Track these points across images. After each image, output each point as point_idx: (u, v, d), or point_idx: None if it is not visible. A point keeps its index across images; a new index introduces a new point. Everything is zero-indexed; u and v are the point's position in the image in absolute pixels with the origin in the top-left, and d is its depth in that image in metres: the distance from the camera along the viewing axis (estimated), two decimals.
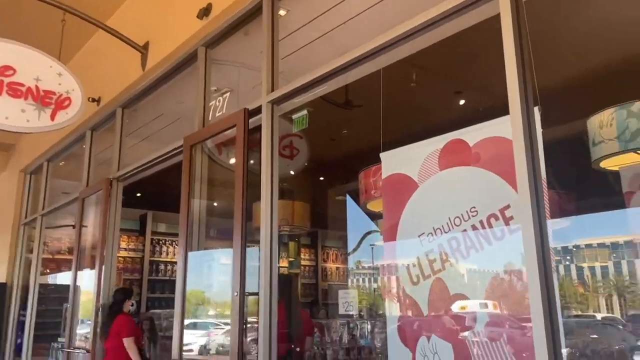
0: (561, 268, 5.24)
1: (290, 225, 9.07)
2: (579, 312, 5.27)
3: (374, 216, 7.21)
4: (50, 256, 8.66)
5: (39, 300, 7.22)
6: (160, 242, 11.09)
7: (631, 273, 5.06)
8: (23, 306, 7.62)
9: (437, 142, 3.06)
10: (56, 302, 8.69)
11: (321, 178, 8.36)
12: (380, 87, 3.62)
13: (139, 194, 8.30)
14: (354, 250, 14.38)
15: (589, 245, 5.46)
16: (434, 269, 2.99)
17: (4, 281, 7.85)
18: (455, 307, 2.91)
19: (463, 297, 2.84)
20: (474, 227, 2.81)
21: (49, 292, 8.65)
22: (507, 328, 2.62)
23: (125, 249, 10.18)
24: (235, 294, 3.21)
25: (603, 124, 3.93)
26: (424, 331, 2.98)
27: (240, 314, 3.09)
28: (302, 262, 12.10)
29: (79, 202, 5.81)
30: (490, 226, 2.73)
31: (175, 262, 11.13)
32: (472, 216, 2.83)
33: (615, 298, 5.12)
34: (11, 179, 8.49)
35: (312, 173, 8.91)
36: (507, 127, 2.77)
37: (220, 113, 3.96)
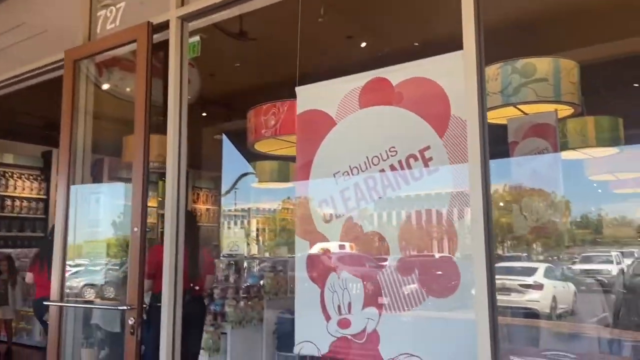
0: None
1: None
2: None
3: (261, 157, 7.08)
4: None
5: None
6: (7, 174, 9.79)
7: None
8: None
9: (359, 80, 3.01)
10: None
11: (204, 114, 7.91)
12: (276, 20, 3.45)
13: None
14: (228, 192, 14.20)
15: None
16: (348, 207, 2.99)
17: None
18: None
19: (377, 235, 2.89)
20: (392, 167, 2.84)
21: None
22: (418, 265, 2.73)
23: None
24: (136, 229, 2.92)
25: (489, 77, 4.19)
26: (335, 268, 3.00)
27: (142, 251, 2.83)
28: None
29: None
30: (410, 167, 2.78)
31: (26, 198, 9.99)
32: (391, 156, 2.85)
33: None
34: None
35: (191, 108, 8.40)
36: (431, 68, 2.80)
37: (113, 25, 3.45)
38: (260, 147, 5.74)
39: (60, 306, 3.29)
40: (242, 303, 4.82)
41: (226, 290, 4.84)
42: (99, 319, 3.59)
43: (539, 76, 3.92)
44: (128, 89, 4.79)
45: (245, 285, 5.07)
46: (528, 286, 7.71)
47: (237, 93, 7.07)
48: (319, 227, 3.09)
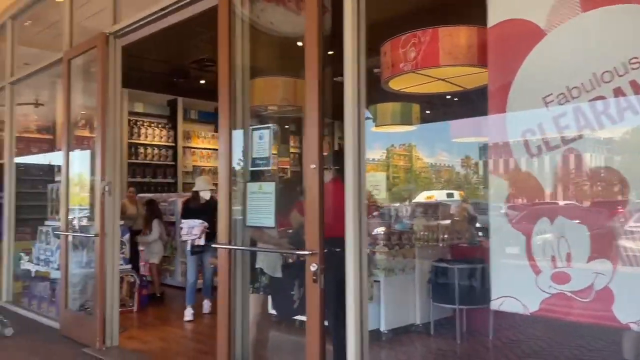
0: None
1: (292, 106, 8.33)
2: None
3: (381, 99, 6.56)
4: (17, 134, 7.68)
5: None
6: (138, 123, 10.17)
7: None
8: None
9: None
10: (28, 184, 7.92)
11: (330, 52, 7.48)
12: None
13: None
14: (340, 138, 13.78)
15: None
16: (566, 137, 2.41)
17: None
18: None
19: (610, 172, 2.31)
20: (633, 84, 2.20)
21: (20, 173, 7.82)
22: None
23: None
24: (313, 166, 2.61)
25: None
26: (547, 211, 2.47)
27: (321, 190, 2.52)
28: (291, 150, 11.51)
29: (64, 66, 4.85)
30: None
31: (156, 145, 10.37)
32: (633, 69, 2.21)
33: None
34: None
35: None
36: None
37: None
38: (396, 84, 5.18)
39: (230, 249, 3.13)
40: (393, 250, 4.48)
41: (376, 237, 4.52)
42: (262, 263, 3.40)
43: None
44: (272, 22, 4.46)
45: (395, 232, 4.72)
46: None
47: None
48: (522, 163, 2.56)
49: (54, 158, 7.56)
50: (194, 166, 11.05)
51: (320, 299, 2.57)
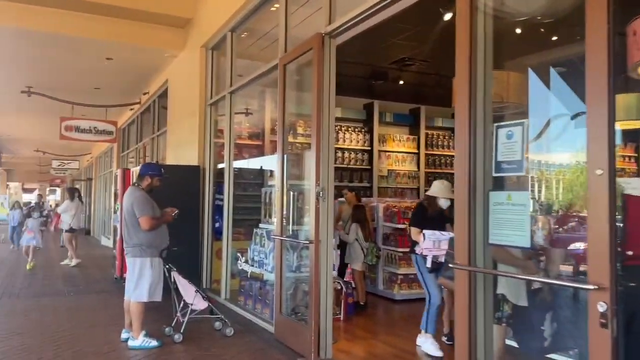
0: None
1: (503, 103, 7.51)
2: None
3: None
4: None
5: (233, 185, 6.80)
6: (336, 127, 10.29)
7: None
8: (218, 190, 7.33)
9: None
10: (240, 187, 8.46)
11: (554, 38, 6.50)
12: None
13: None
14: (538, 137, 12.30)
15: None
16: None
17: (196, 164, 7.60)
18: None
19: None
20: None
21: (235, 177, 8.39)
22: None
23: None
24: (600, 171, 1.98)
25: None
26: None
27: (612, 201, 1.88)
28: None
29: (280, 71, 4.89)
30: None
31: (353, 150, 10.39)
32: None
33: None
34: (192, 57, 7.97)
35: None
36: None
37: None
38: None
39: (470, 271, 2.64)
40: None
41: None
42: (505, 288, 2.83)
43: None
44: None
45: None
46: None
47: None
48: None
49: (265, 162, 7.95)
50: (388, 170, 10.82)
51: (612, 350, 1.92)
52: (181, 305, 4.96)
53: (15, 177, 33.10)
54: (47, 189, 36.09)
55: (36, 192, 30.13)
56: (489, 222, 2.70)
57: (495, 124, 2.80)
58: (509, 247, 2.68)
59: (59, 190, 35.41)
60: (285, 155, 4.86)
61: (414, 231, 4.82)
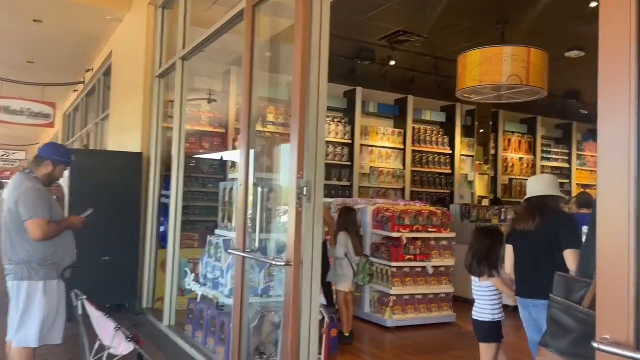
0: None
1: (522, 86, 6.23)
2: None
3: None
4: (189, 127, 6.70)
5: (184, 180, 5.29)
6: None
7: None
8: (165, 187, 5.80)
9: None
10: (199, 183, 6.99)
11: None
12: None
13: None
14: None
15: None
16: None
17: (139, 150, 6.04)
18: None
19: None
20: None
21: (192, 170, 6.91)
22: None
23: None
24: None
25: None
26: None
27: None
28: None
29: (248, 16, 3.43)
30: None
31: (331, 143, 8.98)
32: None
33: None
34: (138, 21, 6.41)
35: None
36: None
37: None
38: None
39: None
40: None
41: None
42: None
43: None
44: None
45: None
46: None
47: None
48: None
49: (230, 155, 6.48)
50: (371, 167, 9.48)
51: None
52: (95, 348, 3.43)
53: None
54: None
55: None
56: None
57: None
58: None
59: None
60: (252, 131, 3.37)
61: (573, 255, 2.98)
